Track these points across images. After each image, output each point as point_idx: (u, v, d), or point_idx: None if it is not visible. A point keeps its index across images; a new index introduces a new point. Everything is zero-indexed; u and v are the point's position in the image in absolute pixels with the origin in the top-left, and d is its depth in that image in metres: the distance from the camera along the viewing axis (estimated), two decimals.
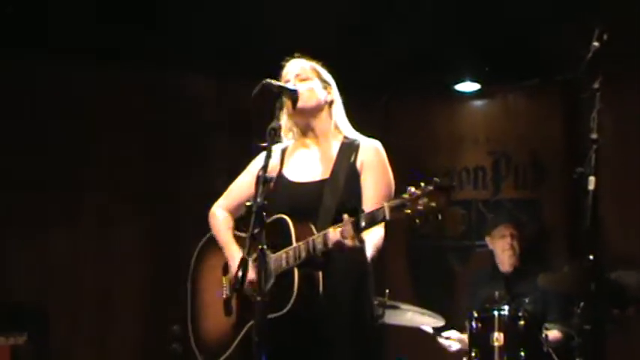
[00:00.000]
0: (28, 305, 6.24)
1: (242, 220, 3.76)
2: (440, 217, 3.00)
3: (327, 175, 3.54)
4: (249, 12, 5.82)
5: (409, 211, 3.02)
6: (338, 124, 3.66)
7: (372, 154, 3.56)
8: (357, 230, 3.15)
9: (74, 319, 6.56)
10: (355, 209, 3.17)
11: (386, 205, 3.10)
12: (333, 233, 3.19)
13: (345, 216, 3.17)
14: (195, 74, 6.73)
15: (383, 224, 3.39)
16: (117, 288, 6.73)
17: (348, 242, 3.15)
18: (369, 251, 3.33)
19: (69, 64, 6.46)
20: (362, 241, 3.21)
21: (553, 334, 5.48)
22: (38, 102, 6.51)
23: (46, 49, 6.27)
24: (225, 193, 3.85)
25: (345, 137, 3.63)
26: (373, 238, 3.38)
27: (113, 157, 6.78)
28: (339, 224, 3.18)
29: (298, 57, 3.71)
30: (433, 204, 2.98)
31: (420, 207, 2.99)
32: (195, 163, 6.82)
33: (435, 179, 3.01)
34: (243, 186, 3.77)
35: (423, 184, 3.02)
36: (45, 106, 6.52)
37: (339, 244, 3.17)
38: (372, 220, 3.14)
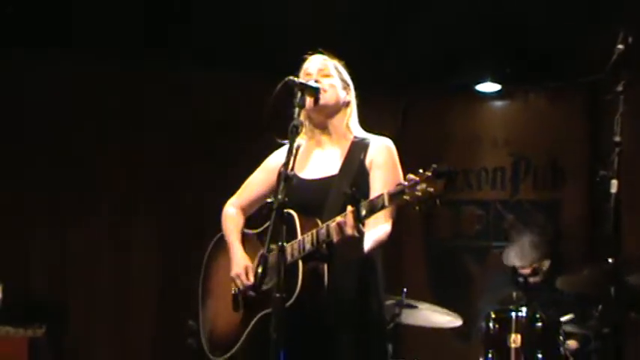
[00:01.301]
0: (47, 299, 6.29)
1: (252, 217, 3.78)
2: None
3: (335, 172, 3.55)
4: (273, 10, 5.83)
5: (408, 197, 3.02)
6: (350, 124, 3.67)
7: (382, 152, 3.57)
8: (358, 219, 3.16)
9: (92, 313, 6.61)
10: (356, 199, 3.17)
11: (385, 192, 3.12)
12: (335, 222, 3.20)
13: (349, 207, 3.17)
14: (215, 71, 6.74)
15: (391, 221, 3.44)
16: (134, 282, 6.77)
17: (348, 230, 3.16)
18: (368, 244, 3.34)
19: (78, 62, 6.50)
20: (361, 233, 3.21)
21: (570, 342, 5.46)
22: (50, 102, 6.54)
23: (50, 50, 6.31)
24: (239, 191, 3.86)
25: (356, 137, 3.64)
26: (376, 232, 3.40)
27: (130, 155, 6.81)
28: (342, 214, 3.20)
29: (321, 53, 3.71)
30: (431, 189, 2.97)
31: (418, 193, 2.99)
32: (213, 161, 6.83)
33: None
34: (257, 183, 3.79)
35: (421, 171, 3.03)
36: (58, 106, 6.56)
37: (339, 232, 3.18)
38: (372, 208, 3.16)
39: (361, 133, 3.67)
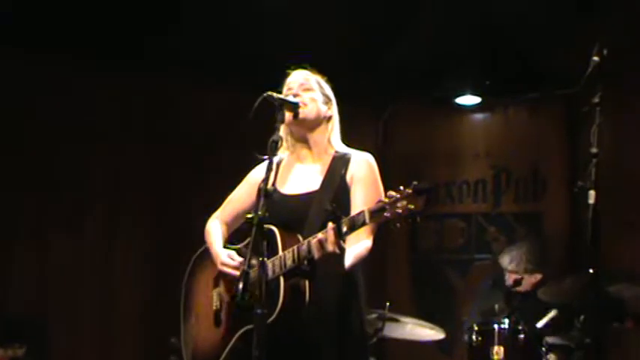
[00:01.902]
0: (28, 317, 6.24)
1: (237, 233, 3.78)
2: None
3: (316, 188, 3.56)
4: (257, 25, 5.85)
5: (388, 214, 3.05)
6: (332, 139, 3.69)
7: (362, 168, 3.58)
8: (340, 235, 3.18)
9: (74, 332, 6.56)
10: (337, 215, 3.19)
11: (366, 209, 3.14)
12: (316, 239, 3.22)
13: (330, 223, 3.19)
14: (201, 85, 6.73)
15: (372, 237, 3.45)
16: (117, 299, 6.73)
17: (329, 247, 3.18)
18: (349, 260, 3.36)
19: (79, 68, 6.47)
20: (342, 249, 3.23)
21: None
22: (43, 108, 6.49)
23: (49, 52, 6.28)
24: (222, 206, 3.87)
25: (337, 152, 3.65)
26: (357, 248, 3.42)
27: (117, 167, 6.79)
28: (323, 231, 3.22)
29: (303, 68, 3.73)
30: (412, 206, 3.01)
31: (398, 210, 3.03)
32: (202, 173, 6.82)
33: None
34: (240, 198, 3.80)
35: (402, 188, 3.05)
36: (50, 113, 6.52)
37: (320, 248, 3.20)
38: (353, 225, 3.18)
39: (343, 148, 3.68)
